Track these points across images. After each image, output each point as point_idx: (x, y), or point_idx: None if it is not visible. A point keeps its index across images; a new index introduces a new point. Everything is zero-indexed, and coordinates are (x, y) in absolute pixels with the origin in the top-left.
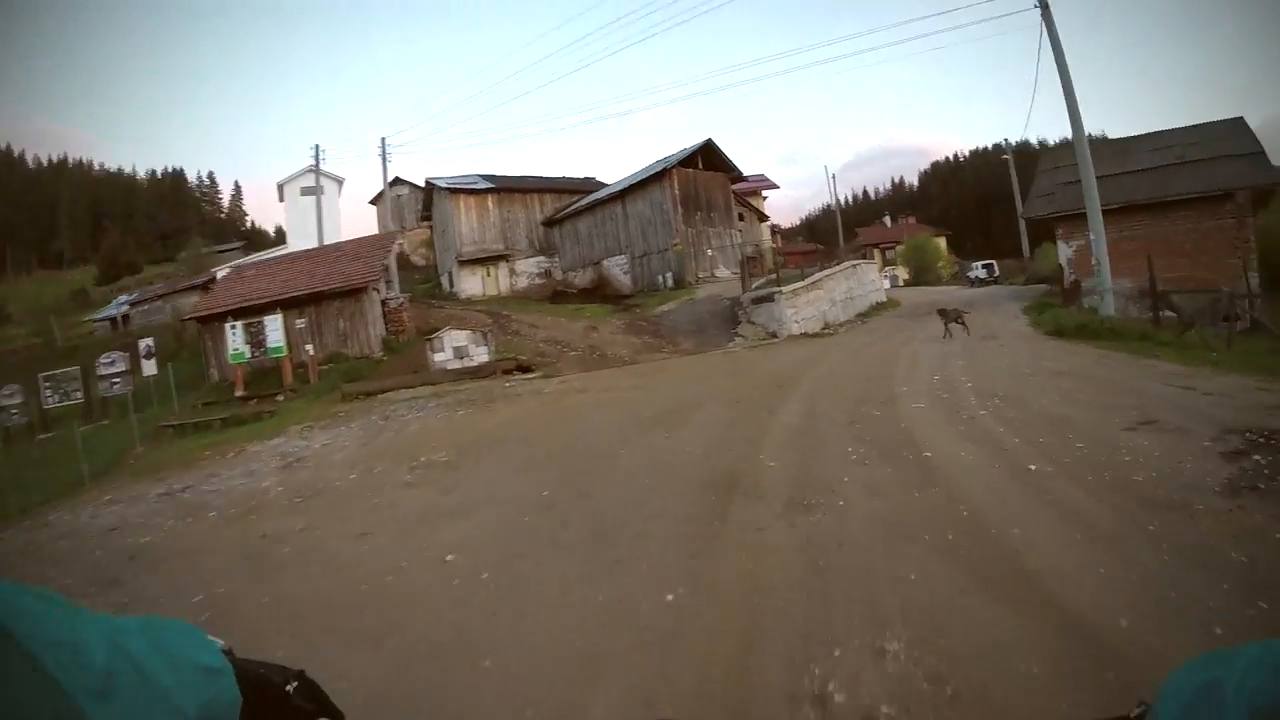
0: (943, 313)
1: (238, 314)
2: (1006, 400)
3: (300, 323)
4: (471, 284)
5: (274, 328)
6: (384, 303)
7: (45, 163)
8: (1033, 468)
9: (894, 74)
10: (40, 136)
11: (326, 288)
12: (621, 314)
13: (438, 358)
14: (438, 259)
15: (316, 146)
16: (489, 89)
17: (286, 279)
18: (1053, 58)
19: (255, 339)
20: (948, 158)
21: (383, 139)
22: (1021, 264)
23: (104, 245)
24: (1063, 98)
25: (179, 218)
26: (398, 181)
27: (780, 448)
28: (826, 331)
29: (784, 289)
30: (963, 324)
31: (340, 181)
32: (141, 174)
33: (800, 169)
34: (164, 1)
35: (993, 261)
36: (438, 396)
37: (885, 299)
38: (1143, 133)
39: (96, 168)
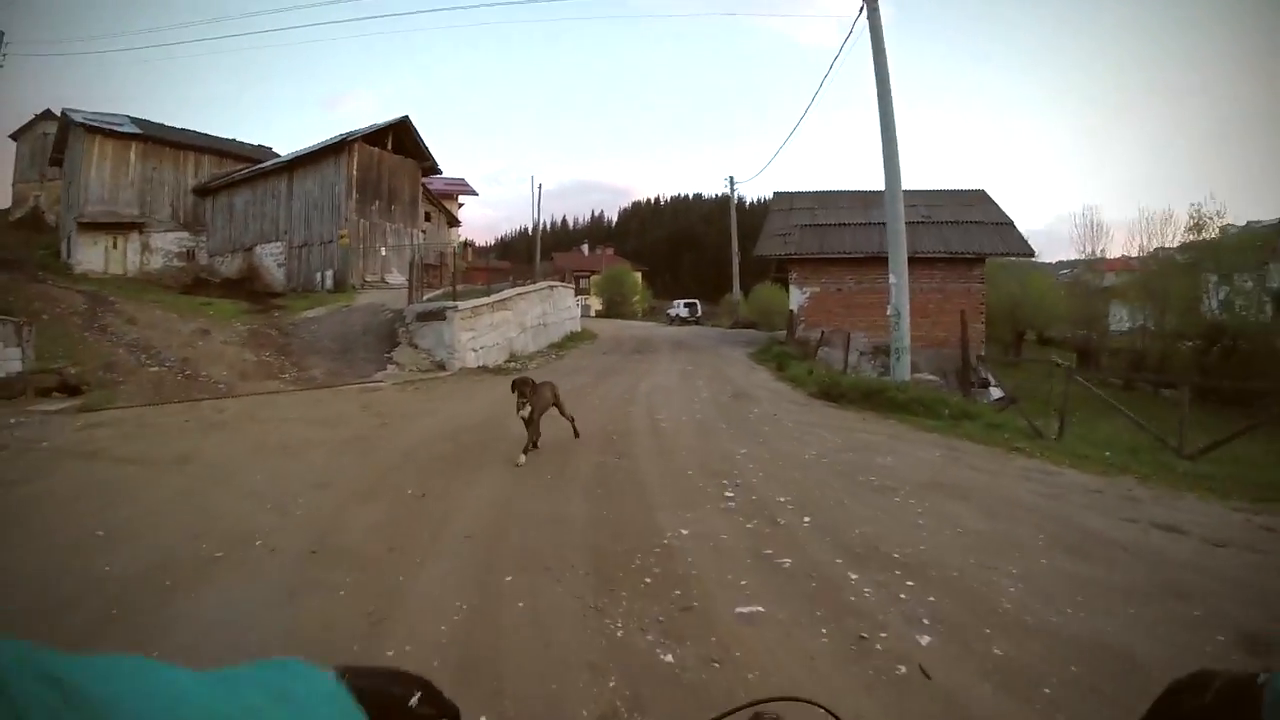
0: (522, 389)
1: None
2: (930, 582)
3: None
4: (92, 257)
5: None
6: None
7: None
8: None
9: (599, 116)
10: None
11: None
12: (256, 316)
13: None
14: (61, 219)
15: None
16: None
17: None
18: (873, 72)
19: None
20: (648, 199)
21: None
22: (729, 306)
23: None
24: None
25: None
26: (49, 115)
27: None
28: (513, 365)
29: (460, 305)
30: (568, 418)
31: None
32: None
33: (504, 189)
34: None
35: (695, 301)
36: None
37: (580, 329)
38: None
39: None
